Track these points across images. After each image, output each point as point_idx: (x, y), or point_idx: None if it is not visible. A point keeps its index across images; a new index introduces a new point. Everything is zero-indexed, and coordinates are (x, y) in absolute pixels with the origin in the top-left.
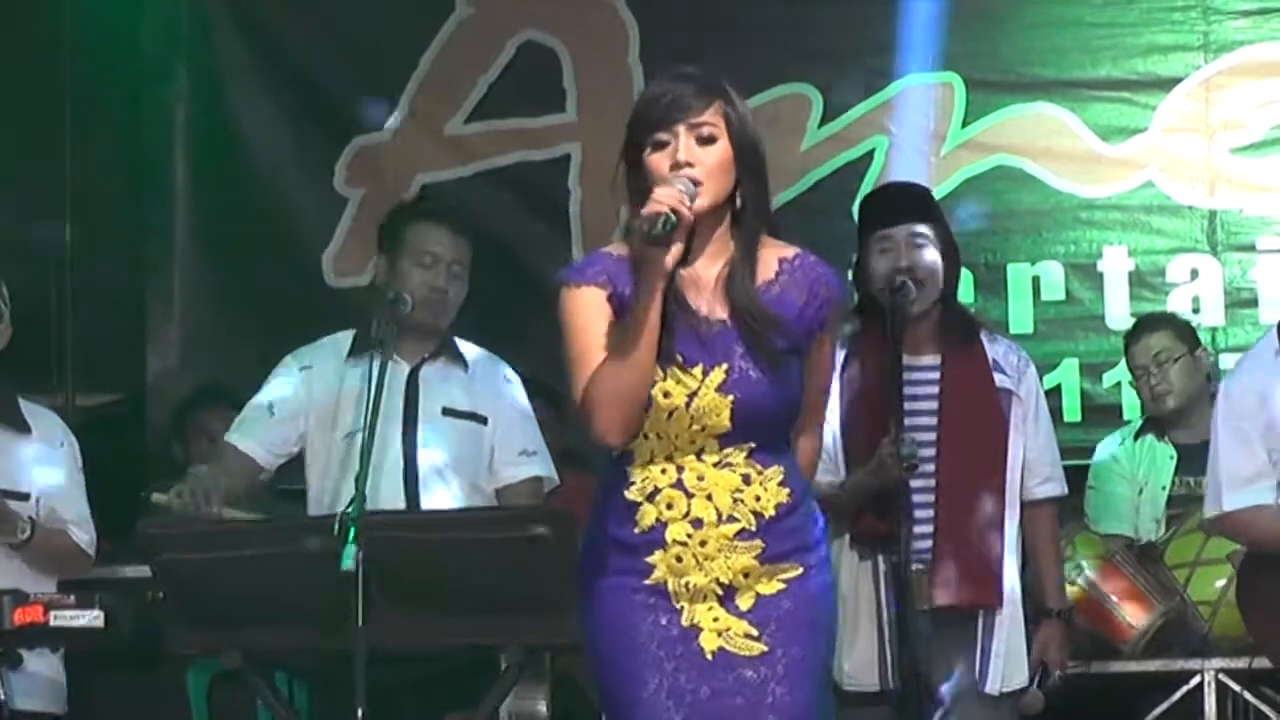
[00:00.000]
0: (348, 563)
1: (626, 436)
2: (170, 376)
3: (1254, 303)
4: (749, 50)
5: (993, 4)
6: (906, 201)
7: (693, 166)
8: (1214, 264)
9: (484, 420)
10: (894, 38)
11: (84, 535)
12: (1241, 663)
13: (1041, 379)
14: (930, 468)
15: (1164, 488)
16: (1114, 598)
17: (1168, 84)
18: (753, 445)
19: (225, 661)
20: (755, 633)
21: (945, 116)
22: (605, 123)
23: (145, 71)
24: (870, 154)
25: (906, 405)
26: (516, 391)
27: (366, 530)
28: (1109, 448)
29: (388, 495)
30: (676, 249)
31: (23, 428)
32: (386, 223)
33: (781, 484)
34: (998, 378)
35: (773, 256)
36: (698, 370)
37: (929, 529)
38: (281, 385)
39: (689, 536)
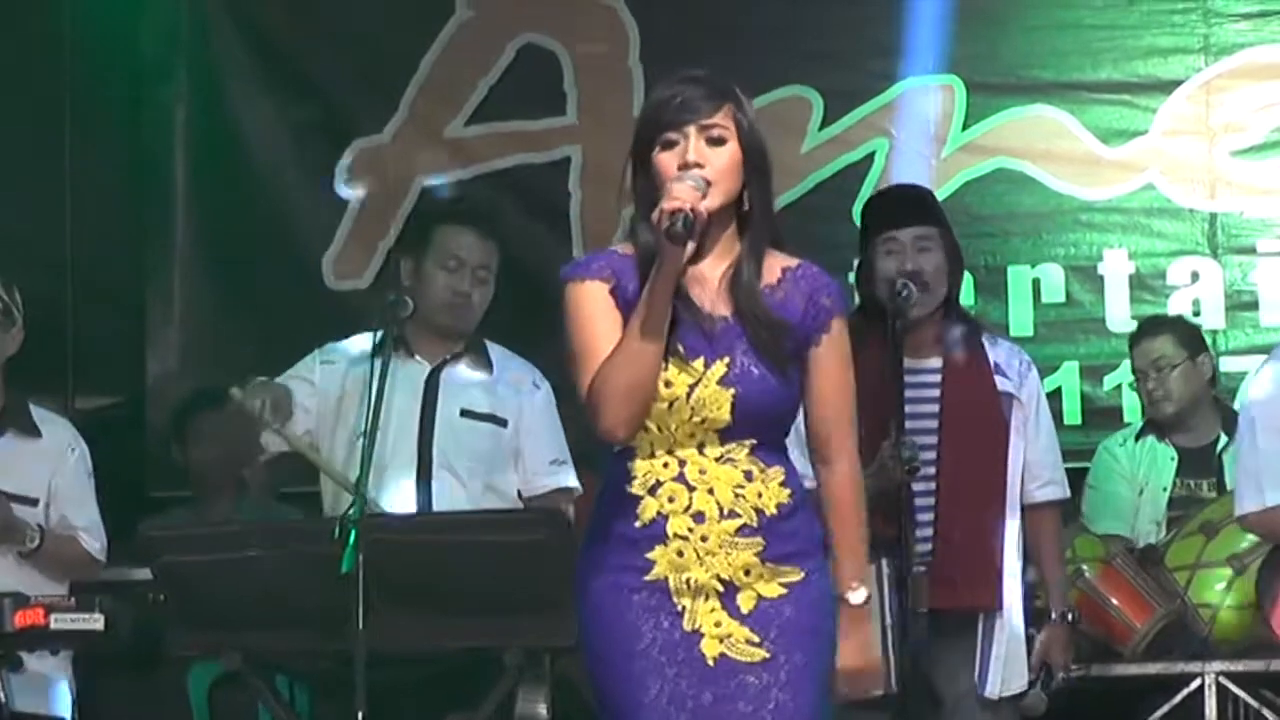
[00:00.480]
0: (348, 565)
1: (633, 431)
2: (170, 379)
3: (1254, 305)
4: (750, 52)
5: (993, 6)
6: (912, 204)
7: (702, 167)
8: (1214, 267)
9: (504, 423)
10: (895, 40)
11: (95, 542)
12: (1242, 665)
13: (1042, 382)
14: (931, 470)
15: (1164, 489)
16: (1114, 601)
17: (1168, 86)
18: (754, 442)
19: (226, 663)
20: (757, 639)
21: (946, 119)
22: (605, 126)
23: (145, 73)
24: (871, 156)
25: (908, 408)
26: (545, 398)
27: (367, 533)
28: (1109, 447)
29: (400, 495)
30: (690, 246)
31: (33, 433)
32: (415, 223)
33: (783, 484)
34: (999, 381)
35: (776, 264)
36: (699, 363)
37: (929, 531)
38: (301, 371)
39: (690, 531)
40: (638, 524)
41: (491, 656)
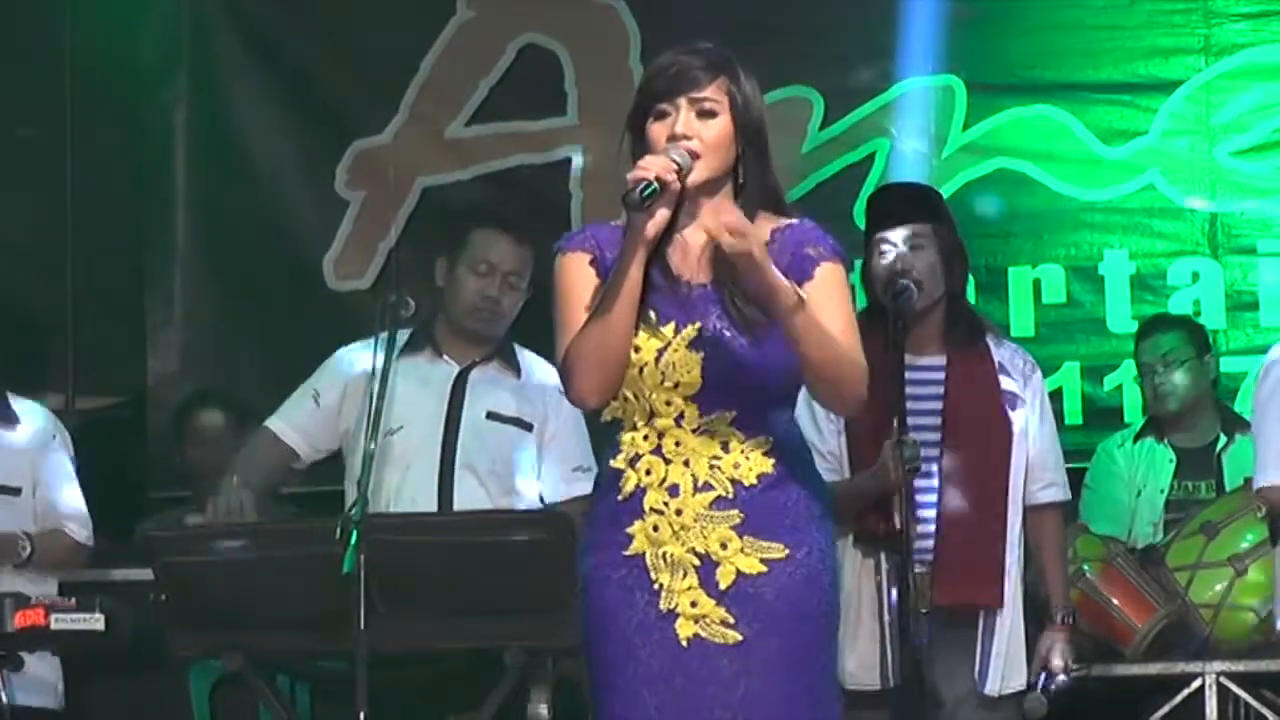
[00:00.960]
0: (349, 565)
1: (604, 398)
2: (171, 379)
3: (1255, 306)
4: (750, 53)
5: (994, 7)
6: (904, 202)
7: (690, 139)
8: (1215, 267)
9: (529, 427)
10: (895, 41)
11: (81, 530)
12: (1243, 665)
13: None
14: (933, 467)
15: (1162, 491)
16: (1115, 601)
17: (1169, 87)
18: (735, 413)
19: (227, 663)
20: (732, 620)
21: (946, 119)
22: (606, 126)
23: (146, 74)
24: (871, 157)
25: (910, 404)
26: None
27: (369, 533)
28: (1107, 448)
29: (421, 495)
30: (661, 216)
31: (12, 422)
32: (453, 225)
33: (767, 454)
34: (1003, 380)
35: (767, 226)
36: (669, 328)
37: (931, 528)
38: (331, 376)
39: (666, 505)
40: (619, 497)
41: (492, 657)
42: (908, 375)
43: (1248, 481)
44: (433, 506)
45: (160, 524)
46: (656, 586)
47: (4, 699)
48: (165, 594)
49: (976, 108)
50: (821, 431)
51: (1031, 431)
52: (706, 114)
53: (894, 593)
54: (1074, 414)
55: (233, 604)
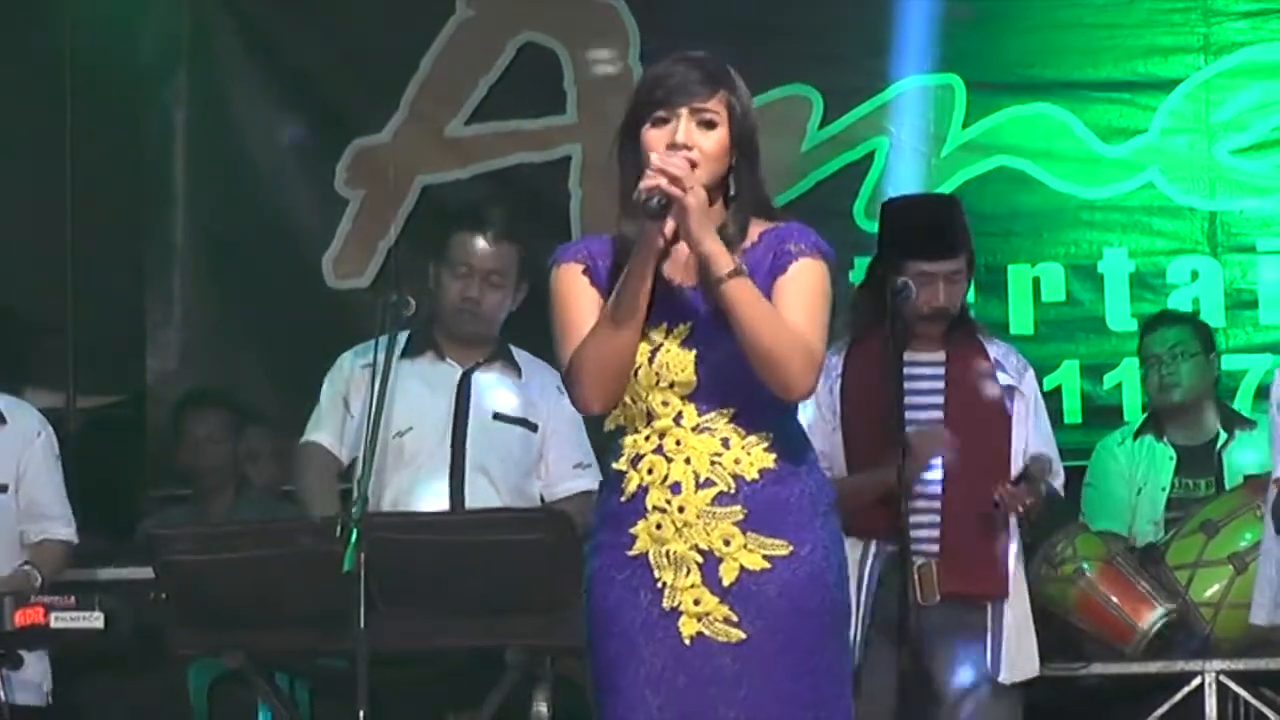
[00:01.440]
0: (349, 565)
1: (608, 405)
2: (170, 379)
3: (1254, 304)
4: (749, 51)
5: (993, 5)
6: (945, 234)
7: (690, 149)
8: (1214, 265)
9: (534, 427)
10: (894, 39)
11: (66, 529)
12: (1243, 664)
13: (1042, 381)
14: (936, 461)
15: (1163, 489)
16: (1115, 599)
17: (1168, 85)
18: (733, 411)
19: (227, 662)
20: (735, 618)
21: (945, 118)
22: (606, 125)
23: (146, 73)
24: (871, 155)
25: (911, 400)
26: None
27: (369, 532)
28: (1108, 445)
29: (433, 496)
30: (670, 225)
31: None
32: (437, 231)
33: (768, 450)
34: (999, 375)
35: (757, 230)
36: (660, 330)
37: (936, 518)
38: (350, 381)
39: (668, 503)
40: (622, 498)
41: (492, 656)
42: (908, 371)
43: (1247, 479)
44: (444, 507)
45: (160, 523)
46: (660, 585)
47: (3, 697)
48: (166, 592)
49: (976, 106)
50: (815, 431)
51: (1028, 423)
52: (707, 125)
53: (875, 579)
54: (1073, 412)
55: (233, 603)
